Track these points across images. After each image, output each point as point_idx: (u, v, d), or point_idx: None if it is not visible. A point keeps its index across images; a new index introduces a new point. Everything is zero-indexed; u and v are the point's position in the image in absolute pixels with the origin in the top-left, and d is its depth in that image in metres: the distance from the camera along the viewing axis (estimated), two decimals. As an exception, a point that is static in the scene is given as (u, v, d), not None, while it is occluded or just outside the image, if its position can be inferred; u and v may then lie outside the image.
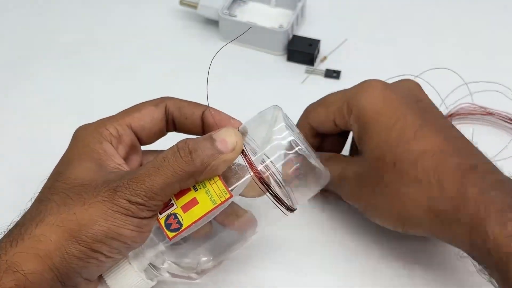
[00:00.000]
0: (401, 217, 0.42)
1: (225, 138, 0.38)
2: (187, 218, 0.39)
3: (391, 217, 0.43)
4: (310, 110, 0.48)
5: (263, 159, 0.40)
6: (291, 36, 0.65)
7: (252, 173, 0.39)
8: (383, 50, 0.65)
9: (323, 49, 0.65)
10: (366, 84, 0.45)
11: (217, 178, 0.39)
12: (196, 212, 0.39)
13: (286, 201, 0.40)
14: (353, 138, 0.48)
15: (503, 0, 0.71)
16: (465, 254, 0.40)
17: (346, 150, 0.52)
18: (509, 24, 0.68)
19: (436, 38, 0.67)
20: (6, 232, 0.38)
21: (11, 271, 0.35)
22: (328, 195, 0.50)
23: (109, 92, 0.62)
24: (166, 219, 0.39)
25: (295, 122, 0.50)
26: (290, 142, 0.40)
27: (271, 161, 0.40)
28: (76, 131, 0.43)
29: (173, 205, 0.39)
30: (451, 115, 0.58)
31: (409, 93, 0.45)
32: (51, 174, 0.41)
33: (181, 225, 0.39)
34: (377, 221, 0.45)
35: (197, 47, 0.66)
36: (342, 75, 0.63)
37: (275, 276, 0.48)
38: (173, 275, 0.42)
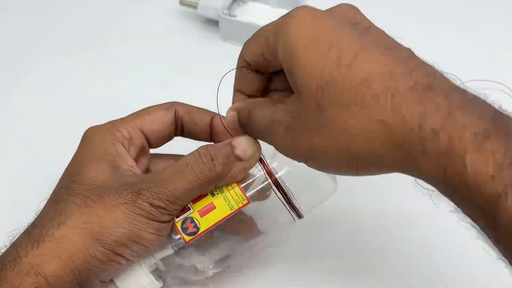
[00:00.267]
0: (352, 156, 0.34)
1: (244, 146, 0.39)
2: (204, 223, 0.40)
3: (340, 158, 0.35)
4: (244, 45, 0.41)
5: (274, 167, 0.41)
6: (291, 36, 0.64)
7: (269, 180, 0.40)
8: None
9: (323, 49, 0.65)
10: (294, 11, 0.37)
11: (235, 184, 0.40)
12: (213, 217, 0.40)
13: (298, 208, 0.41)
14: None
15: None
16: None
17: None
18: (509, 23, 0.68)
19: (436, 38, 0.67)
20: (24, 233, 0.38)
21: (33, 273, 0.35)
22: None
23: (109, 92, 0.62)
24: (183, 222, 0.40)
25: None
26: None
27: (282, 170, 0.41)
28: (86, 131, 0.43)
29: (190, 209, 0.40)
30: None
31: (344, 17, 0.37)
32: (64, 174, 0.41)
33: (198, 229, 0.40)
34: (324, 168, 0.37)
35: (197, 47, 0.66)
36: (342, 75, 0.63)
37: (275, 276, 0.48)
38: (179, 278, 0.43)
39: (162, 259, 0.41)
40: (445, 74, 0.34)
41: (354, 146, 0.33)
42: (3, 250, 0.38)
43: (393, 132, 0.32)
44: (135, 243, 0.38)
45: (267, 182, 0.40)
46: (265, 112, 0.38)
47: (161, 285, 0.42)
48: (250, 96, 0.41)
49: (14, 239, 0.38)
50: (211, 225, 0.40)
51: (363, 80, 0.33)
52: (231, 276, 0.47)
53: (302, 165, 0.37)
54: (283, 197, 0.40)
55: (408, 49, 0.36)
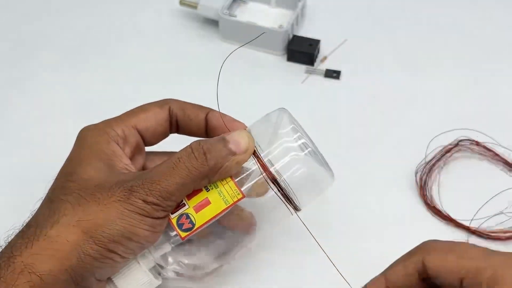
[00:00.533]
0: None
1: (238, 140, 0.39)
2: (199, 218, 0.39)
3: None
4: (429, 250, 0.37)
5: (270, 160, 0.40)
6: (291, 36, 0.65)
7: (264, 174, 0.40)
8: (383, 50, 0.65)
9: (323, 49, 0.65)
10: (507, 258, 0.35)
11: (229, 178, 0.40)
12: (209, 212, 0.39)
13: (294, 200, 0.40)
14: None
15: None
16: None
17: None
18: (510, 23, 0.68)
19: (436, 38, 0.67)
20: (18, 233, 0.38)
21: (27, 272, 0.35)
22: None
23: (109, 92, 0.62)
24: (178, 219, 0.39)
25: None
26: (297, 143, 0.40)
27: (278, 163, 0.40)
28: (81, 131, 0.43)
29: (185, 205, 0.39)
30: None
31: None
32: (59, 174, 0.41)
33: (193, 225, 0.39)
34: None
35: (197, 47, 0.66)
36: (342, 75, 0.63)
37: (276, 275, 0.48)
38: (178, 274, 0.43)
39: (161, 256, 0.41)
40: None
41: None
42: None
43: None
44: (129, 240, 0.37)
45: (261, 175, 0.40)
46: None
47: (160, 282, 0.42)
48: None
49: (10, 239, 0.38)
50: (206, 220, 0.39)
51: None
52: (230, 272, 0.47)
53: (298, 157, 0.39)
54: (279, 190, 0.40)
55: None
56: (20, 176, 0.54)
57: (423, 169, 0.54)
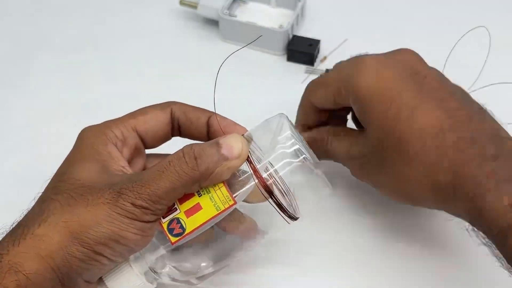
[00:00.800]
0: (408, 195, 0.43)
1: (231, 145, 0.38)
2: (190, 223, 0.39)
3: (399, 195, 0.44)
4: (310, 90, 0.49)
5: (267, 166, 0.39)
6: (291, 36, 0.65)
7: (256, 181, 0.39)
8: (383, 50, 0.65)
9: (323, 49, 0.65)
10: (359, 63, 0.45)
11: (222, 184, 0.39)
12: (199, 218, 0.39)
13: (288, 209, 0.40)
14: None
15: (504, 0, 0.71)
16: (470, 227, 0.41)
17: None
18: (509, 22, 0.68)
19: (436, 38, 0.67)
20: (8, 232, 0.38)
21: (13, 271, 0.35)
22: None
23: (109, 92, 0.62)
24: (169, 223, 0.39)
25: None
26: (295, 150, 0.39)
27: (275, 169, 0.39)
28: (81, 132, 0.42)
29: (176, 209, 0.39)
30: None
31: (405, 67, 0.44)
32: (54, 175, 0.41)
33: (184, 230, 0.39)
34: (387, 197, 0.46)
35: (197, 47, 0.66)
36: (342, 75, 0.63)
37: (275, 276, 0.48)
38: (173, 279, 0.42)
39: (156, 260, 0.41)
40: (487, 118, 0.41)
41: (408, 189, 0.42)
42: None
43: (437, 182, 0.40)
44: (117, 243, 0.37)
45: (253, 183, 0.39)
46: (342, 145, 0.47)
47: (154, 286, 0.42)
48: (312, 127, 0.50)
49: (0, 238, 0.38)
50: (197, 225, 0.39)
51: (418, 133, 0.40)
52: (228, 276, 0.47)
53: (296, 165, 0.39)
54: (272, 198, 0.39)
55: (458, 99, 0.42)
56: (20, 176, 0.54)
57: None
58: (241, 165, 0.39)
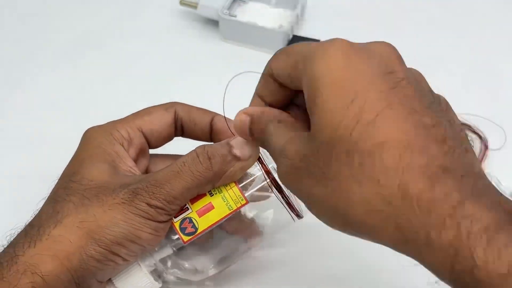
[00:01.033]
0: (348, 221, 0.32)
1: (243, 145, 0.39)
2: (202, 223, 0.39)
3: (335, 217, 0.33)
4: (275, 56, 0.38)
5: (273, 166, 0.40)
6: (291, 36, 0.65)
7: (268, 180, 0.40)
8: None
9: (323, 49, 0.65)
10: (328, 43, 0.34)
11: (233, 184, 0.40)
12: (212, 217, 0.39)
13: (297, 208, 0.40)
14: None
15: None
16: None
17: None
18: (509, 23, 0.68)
19: (436, 38, 0.67)
20: (21, 232, 0.38)
21: (29, 272, 0.35)
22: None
23: (109, 92, 0.62)
24: (181, 222, 0.39)
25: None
26: None
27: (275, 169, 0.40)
28: (86, 132, 0.43)
29: (188, 209, 0.40)
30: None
31: (379, 63, 0.33)
32: (63, 174, 0.41)
33: (196, 229, 0.39)
34: (316, 215, 0.34)
35: (197, 47, 0.66)
36: (342, 75, 0.63)
37: (276, 276, 0.48)
38: (178, 278, 0.43)
39: (161, 259, 0.41)
40: (464, 146, 0.31)
41: (352, 213, 0.31)
42: (0, 250, 0.37)
43: (397, 214, 0.29)
44: (132, 242, 0.38)
45: (265, 182, 0.40)
46: (280, 137, 0.35)
47: (160, 285, 0.42)
48: (269, 104, 0.38)
49: (12, 238, 0.38)
50: (209, 225, 0.40)
51: (378, 146, 0.30)
52: (231, 277, 0.47)
53: None
54: (282, 197, 0.40)
55: (436, 114, 0.31)
56: (20, 176, 0.54)
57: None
58: (252, 165, 0.40)
